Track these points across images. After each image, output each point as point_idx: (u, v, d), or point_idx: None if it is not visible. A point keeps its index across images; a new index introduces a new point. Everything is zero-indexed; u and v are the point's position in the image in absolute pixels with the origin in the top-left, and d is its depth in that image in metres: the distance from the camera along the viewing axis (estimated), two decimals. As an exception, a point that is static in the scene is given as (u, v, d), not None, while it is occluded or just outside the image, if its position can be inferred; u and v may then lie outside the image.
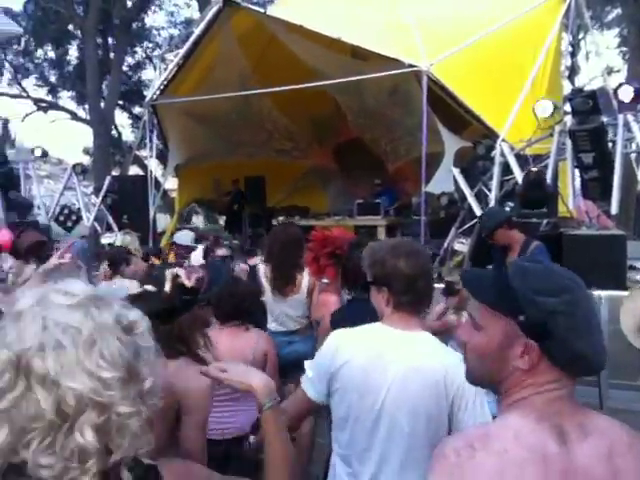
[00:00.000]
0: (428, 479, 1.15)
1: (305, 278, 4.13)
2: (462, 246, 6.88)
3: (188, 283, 2.16)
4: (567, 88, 9.40)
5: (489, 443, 1.12)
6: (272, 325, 4.18)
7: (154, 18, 20.83)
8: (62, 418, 0.92)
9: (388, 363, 1.87)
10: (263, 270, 4.27)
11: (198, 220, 14.57)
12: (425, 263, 2.02)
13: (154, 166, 11.22)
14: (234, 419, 2.96)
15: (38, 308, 0.96)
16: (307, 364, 2.02)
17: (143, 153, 14.76)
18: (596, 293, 4.38)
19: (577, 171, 6.18)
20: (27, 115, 22.59)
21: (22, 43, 19.30)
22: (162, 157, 11.99)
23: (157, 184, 10.66)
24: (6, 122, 22.32)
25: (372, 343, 1.94)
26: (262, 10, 8.95)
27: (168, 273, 2.16)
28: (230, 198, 11.64)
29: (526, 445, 1.10)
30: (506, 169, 6.55)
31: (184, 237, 6.05)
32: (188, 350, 2.08)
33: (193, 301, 2.18)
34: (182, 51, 9.99)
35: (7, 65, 20.88)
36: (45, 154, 10.31)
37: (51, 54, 20.78)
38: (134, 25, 19.40)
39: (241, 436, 2.79)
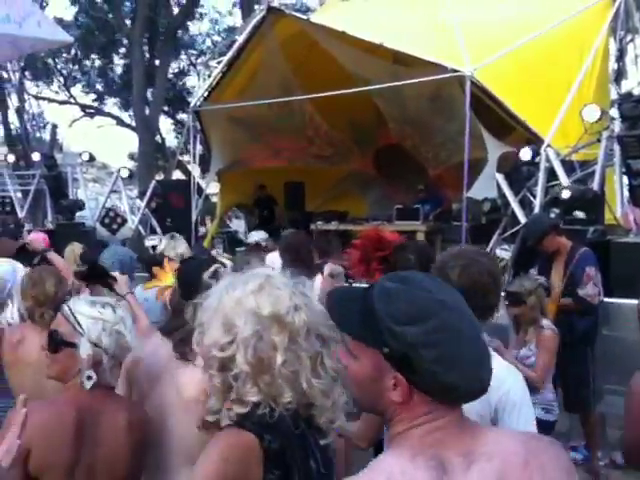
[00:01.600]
0: None
1: (317, 283, 4.10)
2: (505, 253, 6.77)
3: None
4: (615, 93, 9.16)
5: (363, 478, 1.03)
6: None
7: (198, 26, 21.18)
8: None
9: None
10: None
11: (240, 224, 14.73)
12: (479, 274, 1.94)
13: (197, 171, 11.42)
14: None
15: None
16: None
17: (186, 158, 15.04)
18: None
19: (625, 178, 6.04)
20: (74, 121, 23.33)
21: (72, 51, 19.89)
22: (204, 162, 12.17)
23: (199, 189, 10.84)
24: (55, 127, 23.03)
25: None
26: (305, 17, 9.03)
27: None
28: (259, 204, 11.67)
29: None
30: (551, 175, 6.44)
31: (260, 237, 6.08)
32: None
33: None
34: (226, 58, 10.15)
35: (57, 72, 21.57)
36: (92, 158, 10.62)
37: (98, 62, 21.37)
38: (179, 33, 19.81)
39: None
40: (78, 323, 1.76)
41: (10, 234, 6.08)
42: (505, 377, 1.83)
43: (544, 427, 3.23)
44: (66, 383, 1.80)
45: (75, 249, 5.09)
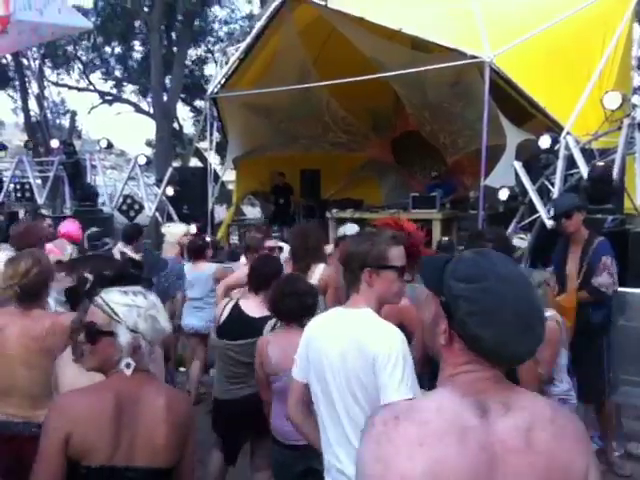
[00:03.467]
0: (359, 446, 1.24)
1: (318, 270, 4.17)
2: (521, 242, 6.70)
3: (136, 257, 2.31)
4: (637, 79, 8.99)
5: (412, 415, 1.21)
6: None
7: (217, 13, 21.11)
8: None
9: (332, 338, 2.19)
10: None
11: (255, 211, 14.78)
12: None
13: (213, 158, 11.44)
14: None
15: None
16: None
17: (203, 145, 15.08)
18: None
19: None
20: (93, 107, 23.46)
21: (91, 38, 19.98)
22: (221, 149, 12.19)
23: (216, 176, 10.86)
24: (74, 114, 23.19)
25: (327, 323, 2.28)
26: (323, 3, 8.96)
27: (116, 249, 2.34)
28: (276, 191, 11.67)
29: (447, 417, 1.18)
30: (570, 163, 6.36)
31: (351, 230, 5.49)
32: None
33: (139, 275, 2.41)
34: (243, 45, 10.12)
35: (76, 60, 21.69)
36: (110, 145, 10.68)
37: (117, 49, 21.44)
38: (197, 20, 19.79)
39: None
40: (114, 312, 1.79)
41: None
42: (386, 336, 2.10)
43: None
44: (107, 372, 1.83)
45: None
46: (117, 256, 2.32)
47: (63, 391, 2.21)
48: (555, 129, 6.87)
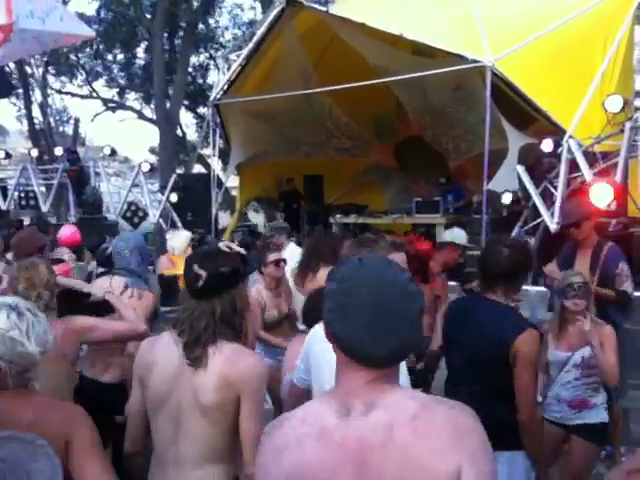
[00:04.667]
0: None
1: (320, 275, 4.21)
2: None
3: (242, 251, 2.20)
4: (639, 83, 8.98)
5: (283, 423, 1.31)
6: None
7: (219, 20, 21.20)
8: None
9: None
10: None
11: (258, 217, 14.79)
12: None
13: (216, 165, 11.48)
14: None
15: None
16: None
17: (206, 152, 15.11)
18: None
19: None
20: (97, 115, 23.57)
21: (94, 46, 20.06)
22: (224, 156, 12.23)
23: (219, 182, 10.89)
24: (77, 122, 23.29)
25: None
26: (324, 9, 8.99)
27: (222, 244, 2.20)
28: (285, 197, 11.72)
29: (309, 422, 1.26)
30: (573, 166, 6.35)
31: (459, 235, 5.09)
32: (239, 329, 2.03)
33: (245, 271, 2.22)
34: (245, 51, 10.16)
35: (80, 67, 21.79)
36: (114, 152, 10.73)
37: (120, 56, 21.54)
38: (199, 27, 19.87)
39: None
40: None
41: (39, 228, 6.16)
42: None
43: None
44: None
45: None
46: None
47: None
48: (557, 133, 6.86)
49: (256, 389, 1.94)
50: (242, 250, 2.18)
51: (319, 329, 2.32)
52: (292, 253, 5.79)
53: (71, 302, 2.81)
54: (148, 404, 2.01)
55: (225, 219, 13.52)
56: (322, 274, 4.29)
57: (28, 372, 1.77)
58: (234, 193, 13.74)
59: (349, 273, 1.27)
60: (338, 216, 10.02)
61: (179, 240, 6.32)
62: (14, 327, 1.72)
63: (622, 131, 6.10)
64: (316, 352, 2.22)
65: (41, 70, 19.45)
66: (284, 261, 4.38)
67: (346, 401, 1.23)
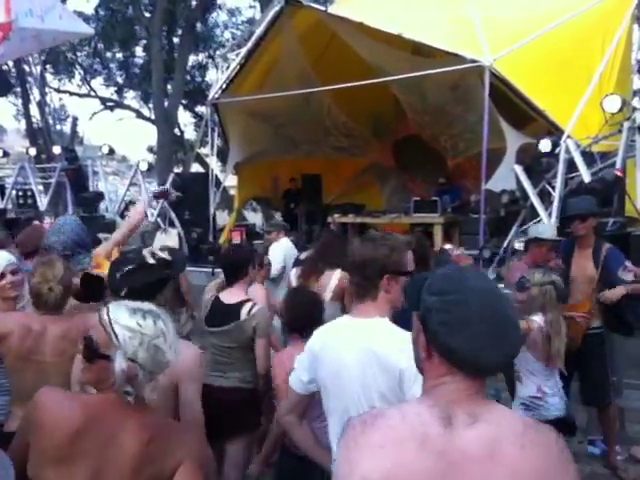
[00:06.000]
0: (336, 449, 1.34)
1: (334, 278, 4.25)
2: (523, 245, 6.72)
3: (166, 256, 2.26)
4: (637, 83, 9.00)
5: (379, 421, 1.28)
6: None
7: (218, 19, 21.18)
8: None
9: (348, 350, 2.05)
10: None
11: (257, 217, 14.78)
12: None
13: (214, 164, 11.47)
14: None
15: None
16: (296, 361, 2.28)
17: (204, 151, 15.11)
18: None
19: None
20: (95, 114, 23.53)
21: (92, 44, 20.04)
22: (222, 155, 12.22)
23: (217, 182, 10.88)
24: (75, 120, 23.26)
25: (339, 333, 2.14)
26: (323, 8, 9.00)
27: (146, 252, 2.27)
28: (289, 196, 11.74)
29: (410, 425, 1.23)
30: (571, 166, 6.36)
31: (544, 229, 4.74)
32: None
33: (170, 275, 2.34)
34: (244, 50, 10.16)
35: (78, 66, 21.77)
36: (112, 151, 10.71)
37: (119, 55, 21.52)
38: (198, 26, 19.85)
39: None
40: (115, 335, 1.61)
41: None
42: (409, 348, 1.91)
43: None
44: (101, 390, 1.67)
45: None
46: (149, 259, 2.25)
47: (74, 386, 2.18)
48: (555, 132, 6.87)
49: (193, 376, 2.14)
50: (166, 256, 2.29)
51: (327, 334, 2.20)
52: (285, 247, 5.83)
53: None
54: None
55: (223, 218, 13.52)
56: (326, 278, 4.32)
57: (152, 383, 1.66)
58: (232, 192, 13.75)
59: (452, 285, 1.28)
60: (336, 215, 10.02)
61: (175, 240, 6.33)
62: (160, 335, 1.65)
63: (620, 131, 6.12)
64: (330, 359, 2.10)
65: (39, 68, 19.41)
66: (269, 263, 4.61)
67: (448, 410, 1.23)
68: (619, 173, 5.66)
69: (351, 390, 2.02)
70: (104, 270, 2.79)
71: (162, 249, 2.37)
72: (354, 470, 1.24)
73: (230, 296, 3.54)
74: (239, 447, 3.32)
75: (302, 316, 3.09)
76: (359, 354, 2.01)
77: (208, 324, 3.58)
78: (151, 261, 2.23)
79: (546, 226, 4.84)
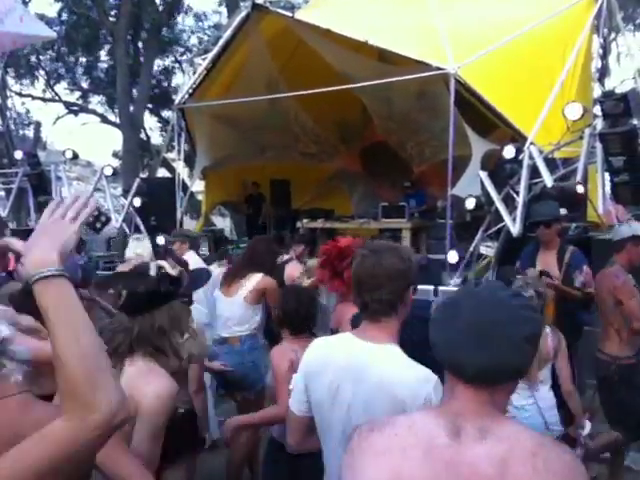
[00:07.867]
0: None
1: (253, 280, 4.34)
2: (488, 250, 6.82)
3: (173, 272, 2.19)
4: (598, 91, 9.23)
5: (385, 428, 1.28)
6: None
7: (184, 23, 21.04)
8: None
9: (354, 379, 1.88)
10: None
11: (225, 222, 14.69)
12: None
13: (181, 169, 11.35)
14: None
15: None
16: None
17: (171, 156, 14.95)
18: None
19: (607, 175, 6.09)
20: (58, 118, 23.09)
21: (55, 48, 19.68)
22: (189, 160, 12.10)
23: (184, 187, 10.78)
24: (38, 125, 22.79)
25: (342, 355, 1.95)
26: (290, 14, 8.99)
27: (153, 265, 2.21)
28: (250, 201, 11.71)
29: (417, 433, 1.23)
30: (534, 172, 6.48)
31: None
32: (161, 349, 2.08)
33: (175, 292, 2.20)
34: (210, 55, 10.10)
35: (41, 70, 21.34)
36: (75, 156, 10.50)
37: (83, 59, 21.17)
38: (164, 30, 19.67)
39: None
40: None
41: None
42: (420, 385, 1.79)
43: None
44: None
45: None
46: (153, 272, 2.15)
47: None
48: (519, 139, 7.00)
49: (150, 411, 1.92)
50: (173, 272, 2.19)
51: (328, 357, 2.01)
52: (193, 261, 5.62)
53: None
54: None
55: (190, 224, 13.39)
56: (246, 280, 4.38)
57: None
58: (200, 197, 13.63)
59: (462, 291, 1.35)
60: (305, 220, 10.02)
61: (148, 249, 6.21)
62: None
63: (581, 138, 6.26)
64: (330, 385, 1.94)
65: (0, 72, 18.97)
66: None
67: (455, 421, 1.22)
68: (580, 189, 5.78)
69: (349, 420, 1.88)
70: None
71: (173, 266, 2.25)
72: (356, 476, 1.24)
73: None
74: (178, 474, 3.17)
75: (291, 312, 3.06)
76: (368, 388, 1.85)
77: None
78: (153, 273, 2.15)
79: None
